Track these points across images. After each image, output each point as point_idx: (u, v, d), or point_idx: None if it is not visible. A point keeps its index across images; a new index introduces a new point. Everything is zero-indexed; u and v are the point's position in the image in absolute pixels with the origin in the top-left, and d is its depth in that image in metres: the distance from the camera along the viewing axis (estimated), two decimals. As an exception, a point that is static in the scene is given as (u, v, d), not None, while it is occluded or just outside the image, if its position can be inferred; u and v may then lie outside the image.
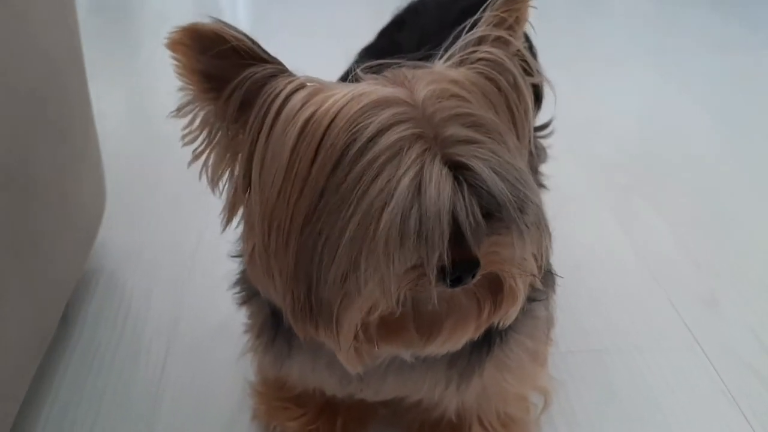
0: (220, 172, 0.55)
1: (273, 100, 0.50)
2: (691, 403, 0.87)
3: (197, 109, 0.53)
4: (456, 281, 0.49)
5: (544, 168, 0.96)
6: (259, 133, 0.50)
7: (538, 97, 0.84)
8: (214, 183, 0.55)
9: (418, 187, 0.46)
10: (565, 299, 0.97)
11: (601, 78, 1.77)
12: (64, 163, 0.86)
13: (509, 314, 0.55)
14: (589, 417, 0.84)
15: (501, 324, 0.56)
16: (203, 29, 0.49)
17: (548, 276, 0.70)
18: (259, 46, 0.51)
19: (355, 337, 0.51)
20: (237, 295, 0.70)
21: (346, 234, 0.47)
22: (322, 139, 0.48)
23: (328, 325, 0.51)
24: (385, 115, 0.47)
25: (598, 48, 1.97)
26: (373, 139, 0.47)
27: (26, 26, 0.74)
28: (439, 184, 0.46)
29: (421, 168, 0.46)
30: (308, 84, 0.51)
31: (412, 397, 0.69)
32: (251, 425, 0.81)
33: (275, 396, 0.79)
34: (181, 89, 0.52)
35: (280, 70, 0.51)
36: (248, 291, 0.68)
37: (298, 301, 0.51)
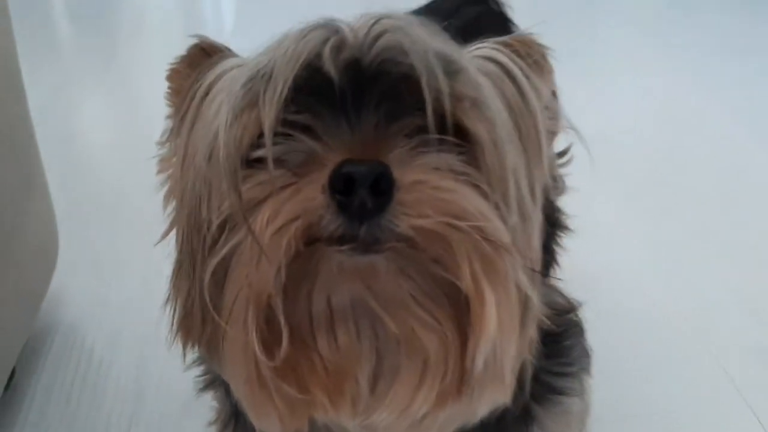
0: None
1: (206, 81, 0.45)
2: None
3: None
4: (346, 190, 0.34)
5: (563, 201, 0.83)
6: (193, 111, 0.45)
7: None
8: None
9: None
10: (597, 358, 0.86)
11: (616, 81, 1.69)
12: (2, 200, 0.76)
13: (479, 349, 0.38)
14: None
15: (468, 372, 0.39)
16: (192, 51, 0.48)
17: (583, 355, 0.58)
18: (228, 49, 0.48)
19: (269, 356, 0.37)
20: (198, 379, 0.57)
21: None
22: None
23: (218, 334, 0.39)
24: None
25: (611, 54, 1.90)
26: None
27: None
28: (306, 31, 0.38)
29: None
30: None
31: None
32: None
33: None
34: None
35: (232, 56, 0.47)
36: (212, 372, 0.56)
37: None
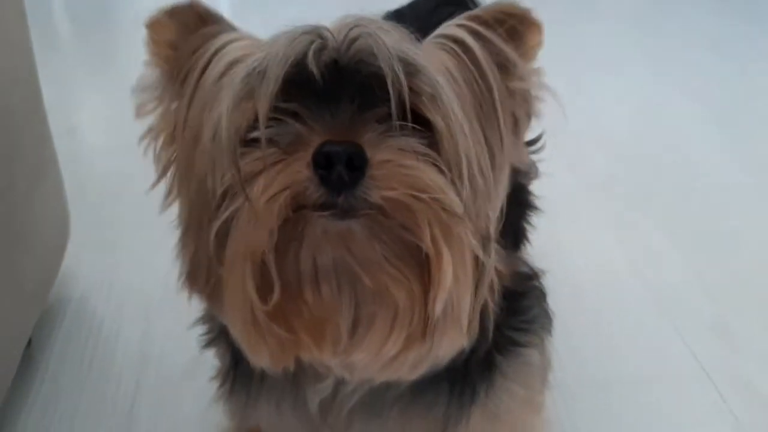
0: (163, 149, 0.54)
1: (206, 53, 0.50)
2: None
3: (159, 87, 0.53)
4: (327, 166, 0.41)
5: (535, 186, 0.89)
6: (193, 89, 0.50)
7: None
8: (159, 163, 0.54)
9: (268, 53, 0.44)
10: (563, 326, 0.92)
11: (594, 84, 1.72)
12: (16, 187, 0.80)
13: (438, 298, 0.44)
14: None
15: (430, 319, 0.45)
16: (180, 9, 0.51)
17: (543, 315, 0.65)
18: (222, 17, 0.52)
19: (263, 301, 0.44)
20: (201, 337, 0.65)
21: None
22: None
23: (221, 284, 0.45)
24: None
25: (590, 52, 1.92)
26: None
27: None
28: (294, 35, 0.44)
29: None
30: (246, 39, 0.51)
31: None
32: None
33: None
34: (147, 65, 0.53)
35: (228, 29, 0.52)
36: (212, 331, 0.63)
37: (198, 268, 0.48)
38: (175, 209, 0.54)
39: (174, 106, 0.52)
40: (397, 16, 0.84)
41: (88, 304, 1.01)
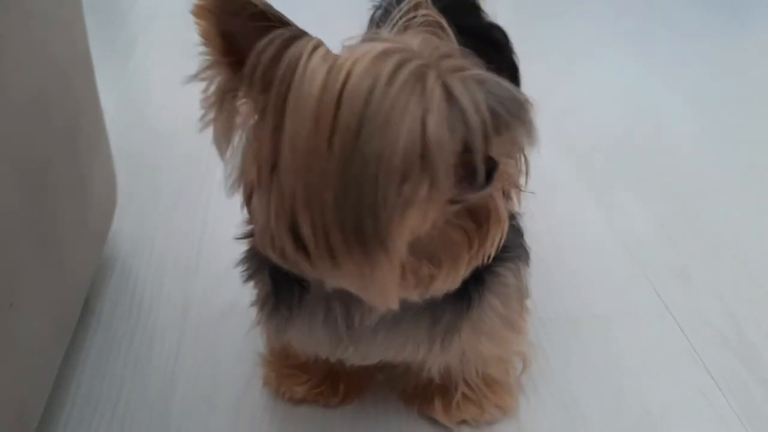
0: (230, 137, 0.57)
1: (298, 58, 0.53)
2: (662, 366, 0.95)
3: (215, 75, 0.56)
4: (489, 178, 0.55)
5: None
6: (286, 90, 0.53)
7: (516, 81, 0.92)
8: (224, 149, 0.58)
9: (449, 94, 0.51)
10: (545, 272, 1.06)
11: (580, 66, 1.82)
12: (78, 159, 0.90)
13: (495, 237, 0.61)
14: (567, 379, 0.92)
15: (489, 256, 0.62)
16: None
17: (520, 247, 0.77)
18: (279, 12, 0.54)
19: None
20: (243, 273, 0.75)
21: (398, 150, 0.50)
22: (344, 85, 0.51)
23: (372, 252, 0.54)
24: (395, 57, 0.52)
25: (576, 36, 2.01)
26: (394, 73, 0.51)
27: (33, 30, 0.76)
28: (466, 86, 0.52)
29: (445, 81, 0.52)
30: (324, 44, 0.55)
31: (398, 360, 0.75)
32: (263, 391, 0.89)
33: (283, 364, 0.87)
34: (201, 54, 0.55)
35: (301, 31, 0.55)
36: (253, 267, 0.74)
37: (325, 241, 0.54)
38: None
39: (248, 102, 0.56)
40: None
41: (133, 262, 1.11)
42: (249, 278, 0.75)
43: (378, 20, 0.89)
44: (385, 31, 0.59)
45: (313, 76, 0.52)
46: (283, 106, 0.53)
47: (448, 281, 0.62)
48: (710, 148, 1.47)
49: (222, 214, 1.21)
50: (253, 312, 0.78)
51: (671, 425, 0.87)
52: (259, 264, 0.73)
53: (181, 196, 1.28)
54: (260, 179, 0.56)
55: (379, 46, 0.53)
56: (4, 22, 0.68)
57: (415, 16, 0.60)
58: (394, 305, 0.59)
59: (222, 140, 0.57)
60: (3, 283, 0.66)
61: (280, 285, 0.69)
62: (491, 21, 0.96)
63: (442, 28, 0.60)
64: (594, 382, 0.92)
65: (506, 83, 0.54)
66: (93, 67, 1.00)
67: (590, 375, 0.93)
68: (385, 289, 0.57)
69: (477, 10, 0.97)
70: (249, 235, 0.68)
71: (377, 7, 0.95)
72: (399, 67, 0.52)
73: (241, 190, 0.59)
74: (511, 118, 0.54)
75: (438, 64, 0.53)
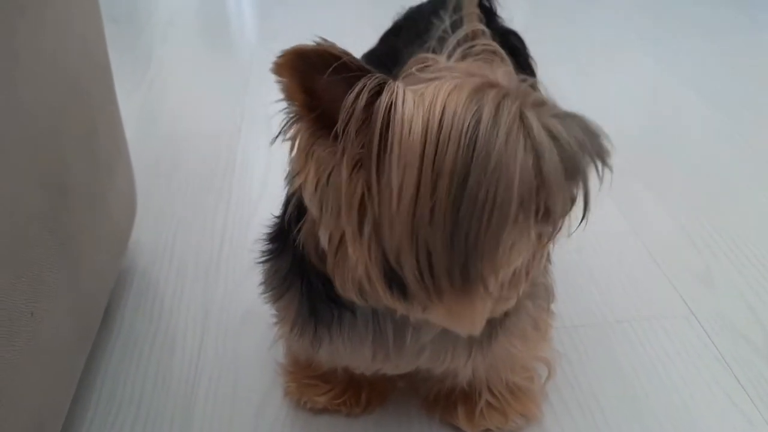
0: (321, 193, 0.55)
1: (391, 106, 0.51)
2: (688, 370, 0.93)
3: (298, 131, 0.54)
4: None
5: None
6: (385, 140, 0.51)
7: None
8: (318, 207, 0.55)
9: (552, 135, 0.52)
10: (567, 278, 1.05)
11: (597, 67, 1.82)
12: (97, 171, 0.91)
13: (545, 254, 0.64)
14: (592, 386, 0.91)
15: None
16: (309, 49, 0.50)
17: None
18: (359, 60, 0.52)
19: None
20: (267, 295, 0.75)
21: (513, 196, 0.51)
22: (448, 127, 0.50)
23: (473, 288, 0.54)
24: (492, 94, 0.51)
25: (592, 37, 2.01)
26: (496, 114, 0.51)
27: (49, 41, 0.76)
28: (566, 125, 0.53)
29: (545, 123, 0.52)
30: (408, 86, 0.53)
31: (435, 370, 0.74)
32: (283, 401, 0.89)
33: (304, 374, 0.86)
34: (282, 111, 0.53)
35: (384, 77, 0.52)
36: (278, 290, 0.73)
37: (430, 284, 0.54)
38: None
39: (337, 155, 0.53)
40: (416, 10, 0.92)
41: (153, 269, 1.12)
42: (276, 301, 0.75)
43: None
44: (443, 60, 0.57)
45: (411, 123, 0.50)
46: (382, 156, 0.51)
47: (514, 298, 0.62)
48: (729, 148, 1.46)
49: (239, 221, 1.23)
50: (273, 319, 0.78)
51: (699, 431, 0.86)
52: (288, 286, 0.71)
53: (198, 203, 1.29)
54: (359, 229, 0.54)
55: (467, 82, 0.52)
56: (21, 34, 0.69)
57: (473, 45, 0.59)
58: (479, 331, 0.60)
59: (314, 197, 0.55)
60: (24, 293, 0.66)
61: (314, 306, 0.68)
62: (508, 27, 0.96)
63: (502, 59, 0.59)
64: (619, 389, 0.91)
65: (587, 119, 0.56)
66: (112, 78, 1.01)
67: (615, 381, 0.92)
68: (476, 318, 0.58)
69: (493, 15, 0.97)
70: (270, 257, 0.68)
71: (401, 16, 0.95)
72: (499, 106, 0.51)
73: (327, 240, 0.57)
74: (597, 159, 0.57)
75: (526, 101, 0.53)
